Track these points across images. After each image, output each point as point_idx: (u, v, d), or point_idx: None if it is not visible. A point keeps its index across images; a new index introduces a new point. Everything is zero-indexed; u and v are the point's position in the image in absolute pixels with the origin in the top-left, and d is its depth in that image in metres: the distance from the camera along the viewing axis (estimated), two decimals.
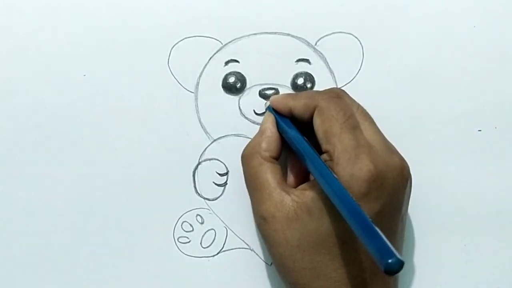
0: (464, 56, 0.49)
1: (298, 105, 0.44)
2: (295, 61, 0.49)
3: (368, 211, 0.40)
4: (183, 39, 0.49)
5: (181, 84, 0.49)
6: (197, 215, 0.49)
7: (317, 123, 0.43)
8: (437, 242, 0.50)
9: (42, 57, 0.48)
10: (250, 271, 0.49)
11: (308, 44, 0.49)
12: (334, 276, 0.42)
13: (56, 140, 0.49)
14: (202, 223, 0.49)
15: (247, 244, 0.49)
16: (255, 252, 0.49)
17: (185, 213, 0.49)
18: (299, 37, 0.49)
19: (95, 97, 0.49)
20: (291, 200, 0.42)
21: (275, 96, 0.47)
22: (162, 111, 0.49)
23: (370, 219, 0.37)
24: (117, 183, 0.49)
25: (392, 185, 0.42)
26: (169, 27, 0.49)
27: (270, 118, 0.46)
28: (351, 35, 0.49)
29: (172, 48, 0.49)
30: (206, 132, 0.49)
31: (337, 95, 0.44)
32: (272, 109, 0.46)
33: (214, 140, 0.49)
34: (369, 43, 0.49)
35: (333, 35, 0.49)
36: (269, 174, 0.44)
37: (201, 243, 0.49)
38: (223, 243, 0.49)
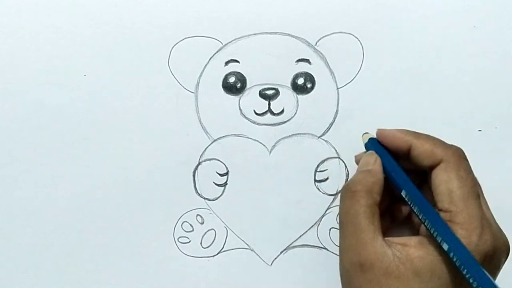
0: (464, 56, 0.49)
1: (422, 148, 0.42)
2: (295, 61, 0.49)
3: None
4: (183, 39, 0.49)
5: (181, 84, 0.49)
6: (197, 215, 0.49)
7: (442, 178, 0.41)
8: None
9: (42, 57, 0.48)
10: (250, 271, 0.49)
11: (308, 44, 0.49)
12: None
13: (56, 140, 0.49)
14: (202, 223, 0.49)
15: (247, 244, 0.49)
16: (255, 252, 0.49)
17: (185, 213, 0.49)
18: (299, 37, 0.49)
19: (95, 97, 0.49)
20: (392, 253, 0.39)
21: (390, 130, 0.45)
22: (162, 111, 0.48)
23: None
24: (117, 183, 0.49)
25: (499, 262, 0.41)
26: (169, 27, 0.49)
27: (375, 158, 0.44)
28: (351, 35, 0.49)
29: (172, 48, 0.49)
30: (206, 132, 0.49)
31: (464, 156, 0.42)
32: (375, 144, 0.44)
33: (214, 140, 0.49)
34: (369, 43, 0.49)
35: (333, 35, 0.49)
36: (375, 219, 0.41)
37: (201, 243, 0.49)
38: (223, 243, 0.49)
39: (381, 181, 0.43)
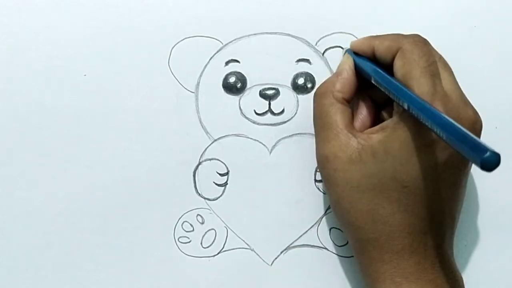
0: (464, 56, 0.49)
1: (382, 46, 0.44)
2: (296, 61, 0.49)
3: (437, 159, 0.40)
4: (184, 39, 0.49)
5: (181, 84, 0.49)
6: (198, 215, 0.49)
7: (398, 65, 0.43)
8: None
9: (42, 57, 0.48)
10: (251, 271, 0.49)
11: (309, 44, 0.49)
12: (391, 221, 0.42)
13: (56, 140, 0.49)
14: (202, 223, 0.49)
15: (247, 244, 0.49)
16: (255, 252, 0.49)
17: (185, 213, 0.49)
18: (300, 37, 0.49)
19: (95, 97, 0.49)
20: (357, 142, 0.42)
21: (357, 39, 0.47)
22: (163, 111, 0.48)
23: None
24: (118, 183, 0.49)
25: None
26: (170, 27, 0.49)
27: (349, 60, 0.46)
28: (351, 35, 0.49)
29: (172, 48, 0.49)
30: (207, 132, 0.49)
31: (422, 40, 0.44)
32: (351, 52, 0.46)
33: (215, 140, 0.49)
34: None
35: (333, 35, 0.49)
36: (338, 115, 0.44)
37: (201, 243, 0.49)
38: (224, 243, 0.49)
39: (348, 79, 0.45)
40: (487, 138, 0.49)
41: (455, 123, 0.36)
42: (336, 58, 0.49)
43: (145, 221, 0.49)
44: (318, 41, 0.49)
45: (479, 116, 0.43)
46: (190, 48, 0.49)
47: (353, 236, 0.44)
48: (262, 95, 0.49)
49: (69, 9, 0.49)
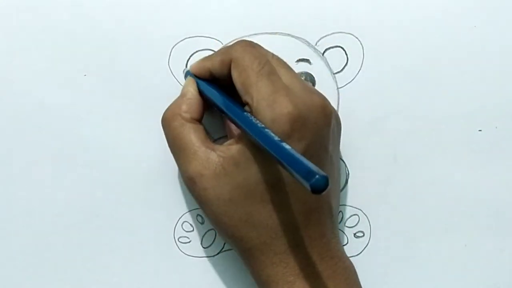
0: (464, 56, 0.49)
1: (215, 63, 0.44)
2: (296, 61, 0.49)
3: None
4: (184, 39, 0.49)
5: (181, 84, 0.49)
6: (198, 215, 0.49)
7: (235, 76, 0.43)
8: (437, 241, 0.50)
9: (42, 57, 0.48)
10: None
11: (308, 44, 0.49)
12: (270, 224, 0.42)
13: (56, 140, 0.49)
14: (202, 223, 0.49)
15: None
16: None
17: (185, 213, 0.49)
18: (299, 37, 0.49)
19: (95, 97, 0.49)
20: (217, 156, 0.42)
21: (193, 64, 0.46)
22: (163, 111, 0.48)
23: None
24: (117, 183, 0.49)
25: (314, 124, 0.42)
26: (169, 27, 0.49)
27: (191, 81, 0.46)
28: (351, 35, 0.49)
29: (172, 48, 0.49)
30: (207, 132, 0.49)
31: (249, 44, 0.44)
32: (192, 75, 0.46)
33: (214, 140, 0.49)
34: (369, 43, 0.49)
35: (333, 35, 0.49)
36: (192, 134, 0.43)
37: (201, 243, 0.49)
38: (224, 243, 0.49)
39: (193, 99, 0.45)
40: (487, 138, 0.49)
41: (286, 148, 0.37)
42: (336, 58, 0.49)
43: (145, 221, 0.49)
44: (318, 41, 0.49)
45: (328, 101, 0.43)
46: (190, 48, 0.49)
47: (239, 247, 0.43)
48: None
49: (69, 9, 0.49)
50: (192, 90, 0.45)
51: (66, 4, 0.49)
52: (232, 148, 0.42)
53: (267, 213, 0.42)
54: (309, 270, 0.42)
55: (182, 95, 0.45)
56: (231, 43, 0.45)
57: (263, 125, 0.40)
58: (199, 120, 0.45)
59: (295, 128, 0.40)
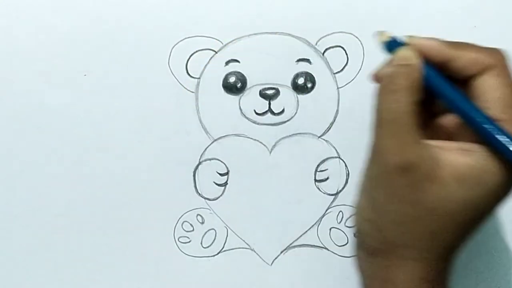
0: None
1: (464, 57, 0.39)
2: (296, 61, 0.49)
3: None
4: (184, 39, 0.49)
5: (181, 84, 0.49)
6: (198, 215, 0.49)
7: (491, 84, 0.38)
8: None
9: (43, 57, 0.48)
10: (251, 271, 0.49)
11: (309, 44, 0.49)
12: (447, 239, 0.38)
13: (56, 140, 0.49)
14: (202, 223, 0.49)
15: (247, 244, 0.49)
16: (255, 252, 0.49)
17: (185, 213, 0.49)
18: (300, 37, 0.49)
19: (95, 97, 0.49)
20: (432, 157, 0.37)
21: (423, 40, 0.40)
22: (163, 111, 0.48)
23: None
24: (117, 183, 0.49)
25: None
26: (170, 27, 0.49)
27: (417, 54, 0.39)
28: (351, 35, 0.49)
29: (172, 48, 0.49)
30: (207, 132, 0.49)
31: (508, 59, 0.39)
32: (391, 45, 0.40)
33: (215, 140, 0.49)
34: (369, 43, 0.49)
35: (333, 35, 0.49)
36: (416, 120, 0.37)
37: (201, 243, 0.49)
38: (224, 243, 0.49)
39: (422, 79, 0.38)
40: None
41: None
42: (337, 58, 0.49)
43: (145, 221, 0.49)
44: (318, 41, 0.49)
45: None
46: (190, 48, 0.49)
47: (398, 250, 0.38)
48: (262, 95, 0.49)
49: (69, 9, 0.49)
50: (420, 64, 0.39)
51: (66, 4, 0.49)
52: (453, 157, 0.37)
53: (451, 232, 0.38)
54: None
55: (413, 67, 0.39)
56: (489, 49, 0.40)
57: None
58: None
59: None
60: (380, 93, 0.38)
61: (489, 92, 0.38)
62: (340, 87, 0.49)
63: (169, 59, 0.49)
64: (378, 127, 0.38)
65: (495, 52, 0.39)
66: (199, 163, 0.49)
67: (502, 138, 0.36)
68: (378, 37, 0.41)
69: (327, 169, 0.49)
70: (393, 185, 0.37)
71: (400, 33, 0.49)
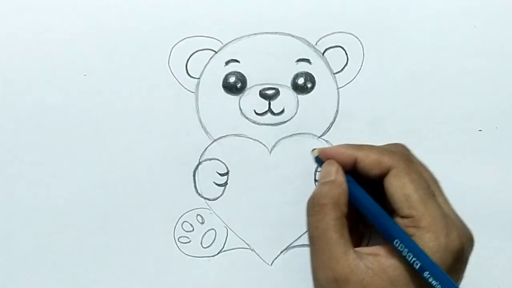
0: (464, 56, 0.49)
1: (368, 160, 0.42)
2: (296, 61, 0.49)
3: None
4: (184, 39, 0.49)
5: (181, 84, 0.49)
6: (198, 215, 0.49)
7: (396, 184, 0.40)
8: None
9: (42, 57, 0.48)
10: (251, 271, 0.49)
11: (309, 44, 0.49)
12: None
13: (56, 140, 0.49)
14: (202, 223, 0.49)
15: (247, 244, 0.49)
16: (255, 252, 0.49)
17: (185, 213, 0.49)
18: (300, 37, 0.49)
19: (95, 97, 0.49)
20: (365, 266, 0.39)
21: (331, 148, 0.44)
22: (163, 111, 0.48)
23: None
24: (118, 183, 0.49)
25: (467, 257, 0.41)
26: (170, 27, 0.49)
27: (339, 169, 0.43)
28: (351, 35, 0.49)
29: (172, 48, 0.49)
30: (207, 132, 0.49)
31: (411, 158, 0.42)
32: (318, 159, 0.44)
33: (215, 140, 0.49)
34: (369, 43, 0.49)
35: (333, 35, 0.49)
36: (345, 232, 0.40)
37: (201, 243, 0.49)
38: (224, 243, 0.49)
39: (346, 191, 0.42)
40: (487, 138, 0.49)
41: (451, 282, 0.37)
42: (336, 58, 0.49)
43: (145, 221, 0.49)
44: (318, 41, 0.49)
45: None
46: (190, 48, 0.49)
47: None
48: (262, 95, 0.49)
49: (69, 9, 0.49)
50: (343, 179, 0.42)
51: (66, 4, 0.49)
52: (383, 262, 0.39)
53: None
54: None
55: (335, 184, 0.42)
56: (386, 145, 0.43)
57: (427, 254, 0.38)
58: (346, 215, 0.42)
59: (457, 260, 0.40)
60: (308, 213, 0.42)
61: (395, 193, 0.40)
62: (340, 87, 0.49)
63: (169, 59, 0.49)
64: (311, 244, 0.41)
65: (395, 153, 0.42)
66: (199, 163, 0.49)
67: (410, 255, 0.39)
68: (312, 153, 0.45)
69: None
70: None
71: (400, 33, 0.49)
